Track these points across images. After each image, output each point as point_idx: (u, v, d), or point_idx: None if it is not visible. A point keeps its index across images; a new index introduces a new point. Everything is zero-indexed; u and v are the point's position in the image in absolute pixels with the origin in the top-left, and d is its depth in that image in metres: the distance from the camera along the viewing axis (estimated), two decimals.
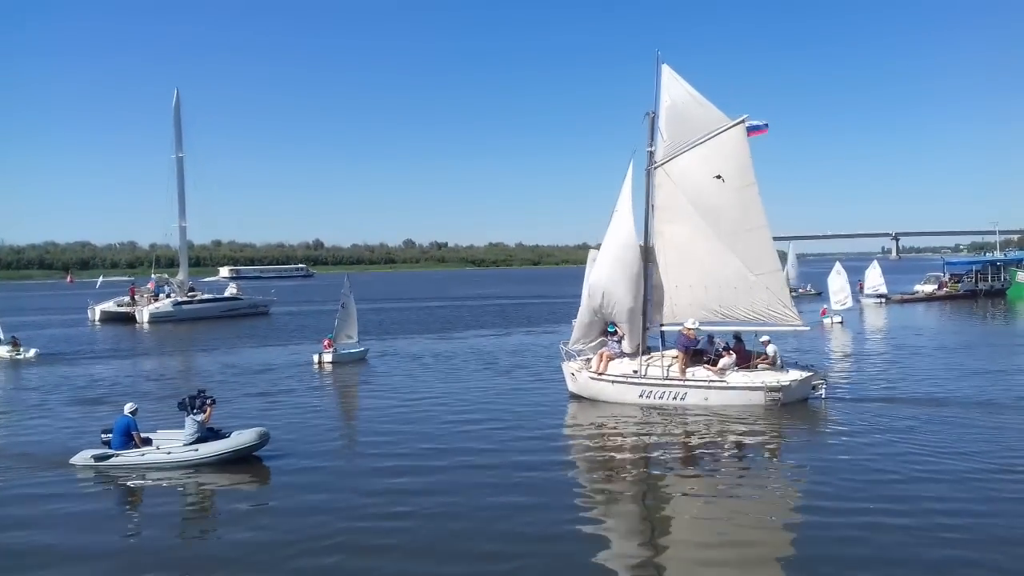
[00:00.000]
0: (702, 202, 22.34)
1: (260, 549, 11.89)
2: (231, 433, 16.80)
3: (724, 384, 21.44)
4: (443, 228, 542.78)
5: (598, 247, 24.15)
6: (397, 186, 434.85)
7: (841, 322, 46.73)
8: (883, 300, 64.00)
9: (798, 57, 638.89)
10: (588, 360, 23.57)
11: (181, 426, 16.85)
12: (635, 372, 22.28)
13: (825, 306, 51.01)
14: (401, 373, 30.15)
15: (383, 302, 78.06)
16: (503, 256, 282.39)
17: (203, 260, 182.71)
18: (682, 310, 22.83)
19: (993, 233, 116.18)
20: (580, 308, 24.07)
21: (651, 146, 23.08)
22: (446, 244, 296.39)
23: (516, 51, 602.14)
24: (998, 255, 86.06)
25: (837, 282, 51.57)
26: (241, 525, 13.06)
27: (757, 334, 22.84)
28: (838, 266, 52.58)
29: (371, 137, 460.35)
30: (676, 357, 22.31)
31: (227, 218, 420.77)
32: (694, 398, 21.47)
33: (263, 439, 16.72)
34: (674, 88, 22.59)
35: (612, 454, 17.88)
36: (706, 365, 21.95)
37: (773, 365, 22.04)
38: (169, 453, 16.30)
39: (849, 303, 50.59)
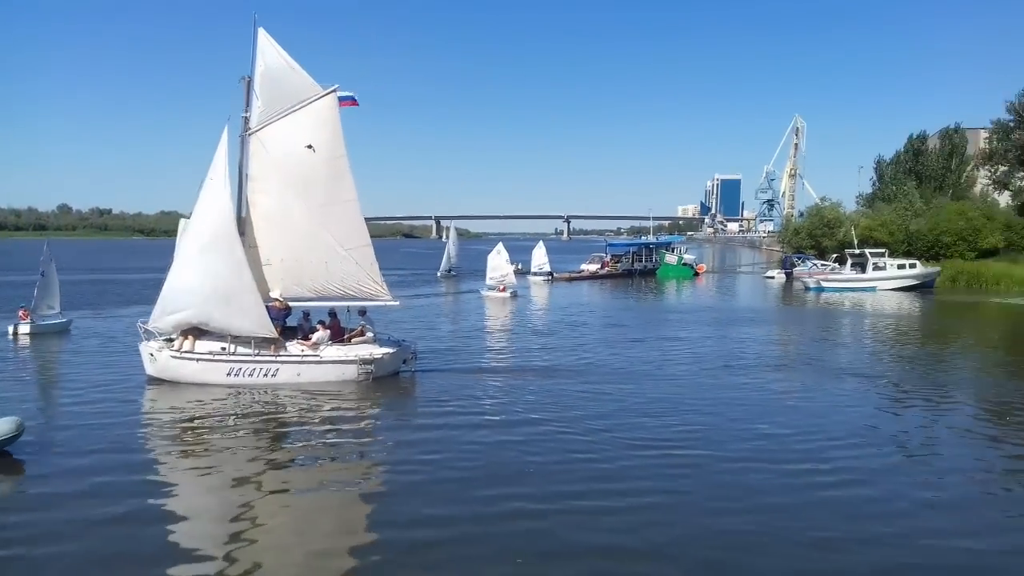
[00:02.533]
0: (294, 172, 21.24)
1: None
2: None
3: (317, 359, 20.56)
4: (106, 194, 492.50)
5: (190, 216, 21.86)
6: (51, 145, 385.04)
7: (513, 295, 48.86)
8: (549, 278, 66.07)
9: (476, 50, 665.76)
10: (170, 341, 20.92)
11: None
12: (223, 349, 20.34)
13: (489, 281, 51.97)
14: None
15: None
16: (175, 226, 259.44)
17: None
18: (275, 285, 21.32)
19: (648, 219, 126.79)
20: (166, 283, 21.05)
21: (246, 112, 21.40)
22: (110, 211, 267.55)
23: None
24: (651, 239, 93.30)
25: (496, 261, 52.14)
26: None
27: (350, 309, 22.10)
28: (499, 246, 53.24)
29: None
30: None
31: None
32: (286, 374, 20.31)
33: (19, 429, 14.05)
34: (269, 53, 21.13)
35: (190, 440, 15.94)
36: (299, 340, 20.87)
37: (367, 340, 21.52)
38: None
39: (509, 281, 50.64)
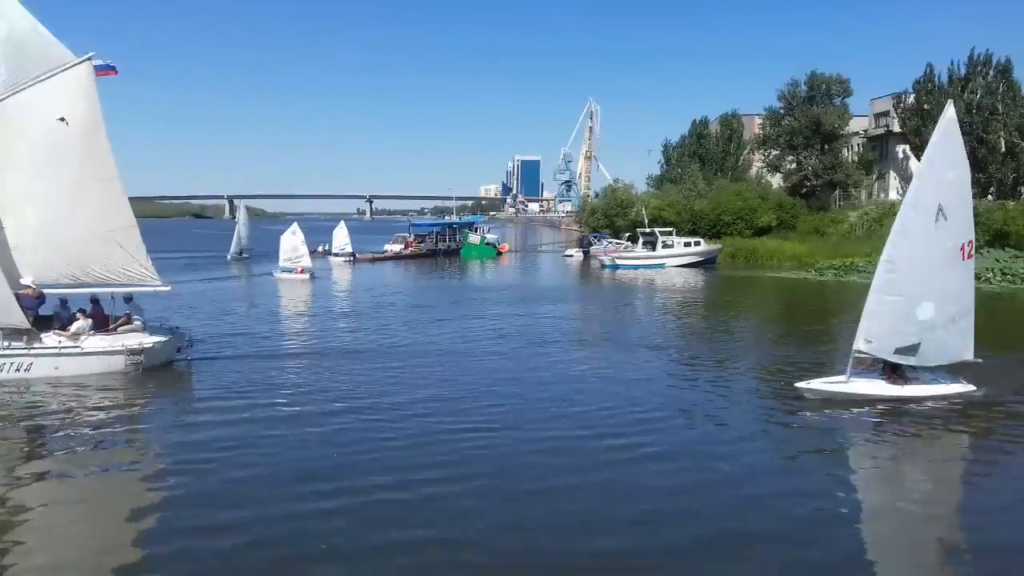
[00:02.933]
0: (45, 147, 19.06)
1: None
2: None
3: (78, 350, 18.69)
4: None
5: None
6: None
7: (311, 277, 47.63)
8: (351, 259, 64.69)
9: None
10: None
11: None
12: None
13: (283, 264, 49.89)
14: None
15: None
16: None
17: None
18: (26, 270, 19.20)
19: (451, 199, 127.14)
20: None
21: None
22: None
23: None
24: (455, 219, 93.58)
25: (290, 241, 50.03)
26: None
27: (115, 296, 20.29)
28: (294, 226, 51.30)
29: None
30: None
31: None
32: (42, 369, 18.31)
33: None
34: (13, 13, 18.77)
35: None
36: (57, 331, 18.94)
37: (135, 328, 19.92)
38: None
39: (305, 262, 49.11)
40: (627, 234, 71.75)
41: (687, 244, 60.50)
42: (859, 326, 16.30)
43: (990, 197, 56.26)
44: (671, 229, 63.59)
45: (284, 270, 48.92)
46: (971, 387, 16.25)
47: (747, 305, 37.50)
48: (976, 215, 50.52)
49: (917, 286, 15.59)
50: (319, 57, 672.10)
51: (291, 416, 15.74)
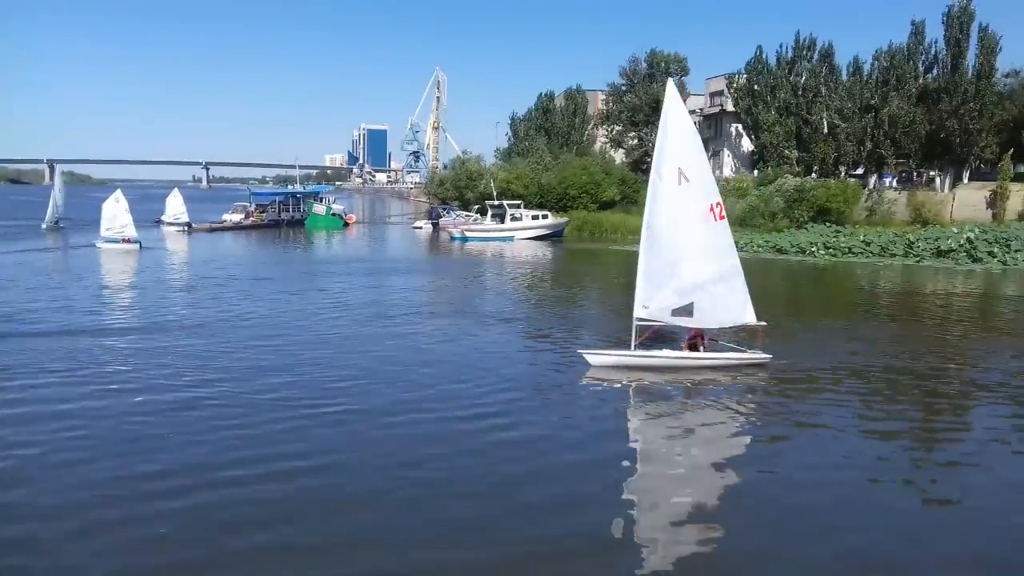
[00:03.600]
0: None
1: None
2: None
3: None
4: None
5: None
6: None
7: (138, 250, 44.94)
8: (186, 228, 61.77)
9: None
10: None
11: None
12: None
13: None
14: None
15: None
16: None
17: None
18: None
19: (295, 168, 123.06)
20: None
21: None
22: None
23: None
24: (299, 188, 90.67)
25: (112, 209, 46.77)
26: None
27: None
28: (118, 193, 47.75)
29: None
30: None
31: None
32: None
33: None
34: None
35: None
36: None
37: None
38: None
39: (130, 231, 46.38)
40: (476, 207, 71.86)
41: (535, 217, 61.32)
42: (635, 294, 16.90)
43: (814, 175, 60.05)
44: (519, 202, 64.21)
45: (107, 240, 45.85)
46: (764, 355, 16.92)
47: (591, 277, 38.45)
48: (801, 192, 53.98)
49: (677, 247, 16.41)
50: (149, 17, 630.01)
51: (113, 391, 14.76)
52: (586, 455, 12.30)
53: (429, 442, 12.65)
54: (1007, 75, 58.99)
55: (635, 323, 16.89)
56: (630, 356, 16.89)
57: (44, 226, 60.89)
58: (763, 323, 17.09)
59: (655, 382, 16.40)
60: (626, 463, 12.21)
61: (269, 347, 19.45)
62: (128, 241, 45.33)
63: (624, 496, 10.84)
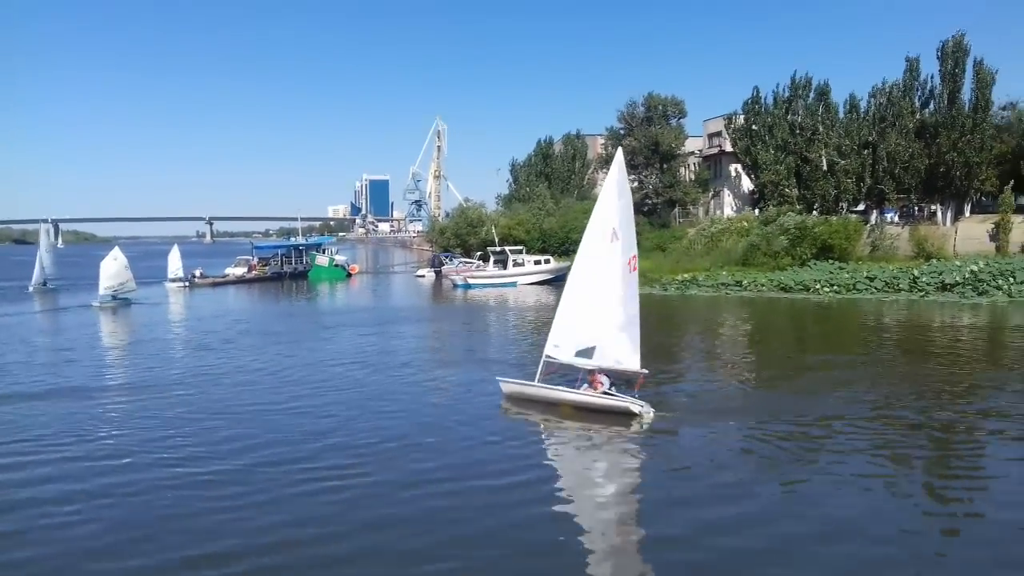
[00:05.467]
0: None
1: None
2: None
3: None
4: None
5: None
6: None
7: (113, 309, 44.28)
8: (186, 284, 62.14)
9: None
10: None
11: None
12: None
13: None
14: None
15: None
16: None
17: None
18: None
19: (297, 220, 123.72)
20: None
21: None
22: None
23: None
24: (301, 240, 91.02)
25: (110, 267, 46.45)
26: None
27: None
28: (116, 251, 47.79)
29: None
30: None
31: None
32: None
33: None
34: None
35: None
36: None
37: None
38: None
39: (130, 288, 46.89)
40: (478, 253, 71.92)
41: (537, 262, 61.28)
42: (549, 334, 18.28)
43: (815, 213, 59.95)
44: (521, 247, 64.27)
45: (103, 300, 45.38)
46: (647, 409, 16.83)
47: None
48: (803, 229, 53.81)
49: (597, 295, 17.57)
50: (153, 75, 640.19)
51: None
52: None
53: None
54: (1003, 108, 59.12)
55: (544, 359, 18.15)
56: (532, 387, 18.26)
57: (31, 288, 58.38)
58: (645, 371, 17.56)
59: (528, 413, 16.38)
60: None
61: (267, 406, 19.12)
62: (115, 298, 45.36)
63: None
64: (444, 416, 17.58)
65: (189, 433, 16.23)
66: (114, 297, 45.38)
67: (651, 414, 16.61)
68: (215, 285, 64.80)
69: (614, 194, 17.75)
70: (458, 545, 10.45)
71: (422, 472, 13.47)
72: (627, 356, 17.49)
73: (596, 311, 17.60)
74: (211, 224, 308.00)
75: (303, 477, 13.21)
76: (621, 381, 18.00)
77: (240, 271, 70.68)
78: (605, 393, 17.41)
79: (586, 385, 17.89)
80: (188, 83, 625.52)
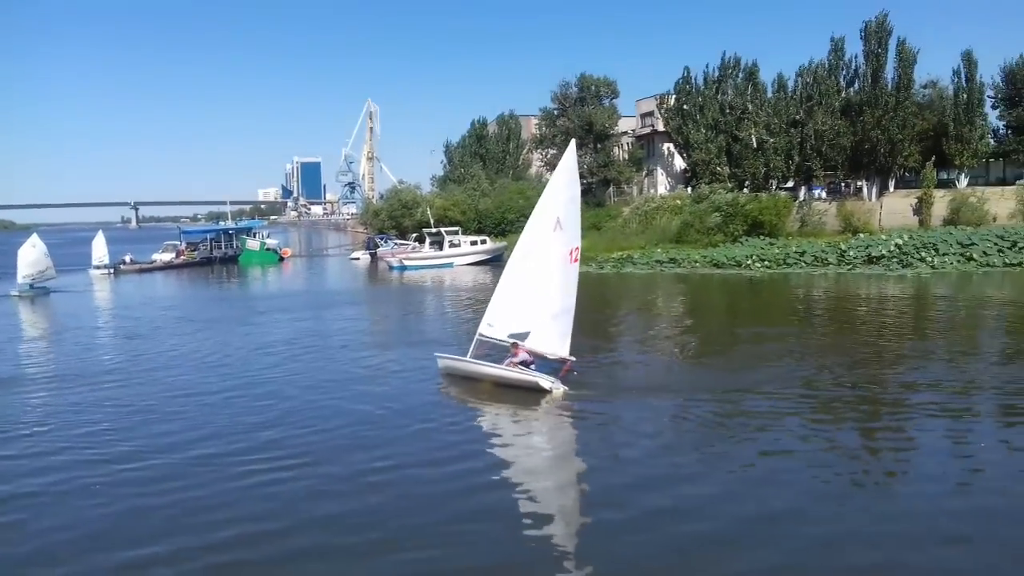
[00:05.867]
0: None
1: None
2: None
3: None
4: None
5: None
6: None
7: (32, 298, 42.47)
8: (111, 271, 60.22)
9: None
10: None
11: None
12: None
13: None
14: None
15: None
16: None
17: None
18: None
19: (226, 204, 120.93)
20: None
21: None
22: None
23: None
24: (231, 224, 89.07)
25: (29, 255, 44.66)
26: None
27: None
28: (34, 238, 45.99)
29: None
30: None
31: None
32: None
33: None
34: None
35: None
36: None
37: None
38: None
39: (50, 275, 45.08)
40: (414, 235, 71.32)
41: (474, 243, 61.04)
42: (485, 314, 18.72)
43: (746, 190, 61.01)
44: (457, 229, 63.93)
45: (25, 288, 43.67)
46: (557, 386, 17.16)
47: None
48: (734, 207, 54.91)
49: (537, 282, 17.90)
50: (72, 46, 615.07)
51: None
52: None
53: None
54: (925, 86, 60.89)
55: (477, 336, 18.58)
56: (463, 362, 18.71)
57: None
58: (572, 358, 17.79)
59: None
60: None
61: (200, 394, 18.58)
62: (33, 287, 43.68)
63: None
64: (385, 402, 17.24)
65: (121, 427, 15.60)
66: (32, 286, 43.67)
67: (561, 391, 16.92)
68: (142, 272, 62.95)
69: (562, 184, 18.00)
70: (406, 536, 10.20)
71: (366, 461, 13.13)
72: (557, 344, 17.80)
73: (532, 298, 17.88)
74: (136, 209, 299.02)
75: (243, 470, 12.74)
76: (548, 365, 18.04)
77: (168, 257, 68.83)
78: (522, 365, 17.70)
79: (511, 358, 18.07)
80: (108, 62, 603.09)
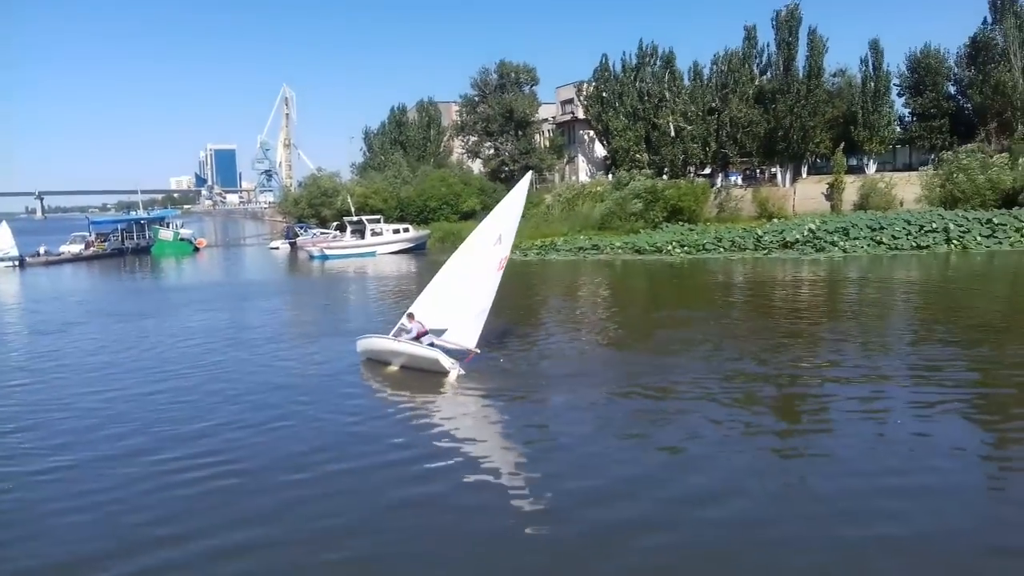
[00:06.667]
0: None
1: None
2: None
3: None
4: None
5: None
6: None
7: None
8: (17, 264, 57.67)
9: None
10: None
11: None
12: None
13: None
14: None
15: None
16: None
17: None
18: None
19: (136, 193, 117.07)
20: None
21: None
22: None
23: None
24: (143, 214, 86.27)
25: None
26: None
27: None
28: None
29: None
30: None
31: None
32: None
33: None
34: None
35: None
36: None
37: None
38: None
39: None
40: (335, 223, 70.27)
41: (396, 231, 60.50)
42: (412, 304, 20.03)
43: (664, 177, 62.02)
44: (379, 217, 63.28)
45: None
46: (456, 368, 17.80)
47: None
48: (654, 193, 55.78)
49: (463, 288, 19.16)
50: None
51: None
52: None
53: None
54: (834, 74, 62.90)
55: (399, 325, 19.51)
56: (377, 339, 19.62)
57: None
58: (477, 350, 18.37)
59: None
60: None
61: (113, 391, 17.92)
62: None
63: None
64: (309, 394, 16.93)
65: (30, 426, 14.93)
66: None
67: (456, 372, 17.54)
68: (49, 264, 60.49)
69: (516, 209, 19.74)
70: (339, 534, 10.01)
71: (293, 456, 12.79)
72: (468, 339, 18.71)
73: (458, 300, 19.15)
74: (41, 199, 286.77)
75: (163, 470, 12.26)
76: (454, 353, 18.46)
77: (76, 248, 66.28)
78: (431, 345, 18.57)
79: (407, 334, 19.04)
80: (2, 42, 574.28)
